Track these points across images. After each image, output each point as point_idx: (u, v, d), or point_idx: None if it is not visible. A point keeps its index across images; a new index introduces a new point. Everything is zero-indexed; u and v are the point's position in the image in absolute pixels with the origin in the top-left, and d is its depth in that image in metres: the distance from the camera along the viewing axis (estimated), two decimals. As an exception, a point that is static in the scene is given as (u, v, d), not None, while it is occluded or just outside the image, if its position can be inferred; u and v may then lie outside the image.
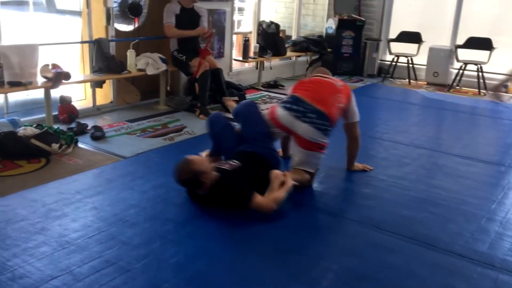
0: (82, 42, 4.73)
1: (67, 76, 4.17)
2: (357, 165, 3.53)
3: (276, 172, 2.82)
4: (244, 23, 7.68)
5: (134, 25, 5.19)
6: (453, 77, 7.02)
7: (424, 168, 3.66)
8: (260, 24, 6.64)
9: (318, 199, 3.05)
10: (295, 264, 2.30)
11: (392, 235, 2.59)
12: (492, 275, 2.25)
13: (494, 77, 6.89)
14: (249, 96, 5.83)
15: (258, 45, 6.36)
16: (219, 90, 5.19)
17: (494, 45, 6.60)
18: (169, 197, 2.94)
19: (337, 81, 3.32)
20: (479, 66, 6.66)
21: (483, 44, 6.69)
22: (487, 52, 6.61)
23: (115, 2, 4.87)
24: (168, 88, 5.15)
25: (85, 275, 2.10)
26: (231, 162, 2.88)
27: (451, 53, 7.05)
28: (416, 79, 7.40)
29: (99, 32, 4.72)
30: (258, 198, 2.67)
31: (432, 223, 2.75)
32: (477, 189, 3.28)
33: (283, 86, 6.54)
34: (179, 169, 2.78)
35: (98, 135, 4.00)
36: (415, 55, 7.27)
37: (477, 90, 6.70)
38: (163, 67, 4.94)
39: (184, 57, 4.96)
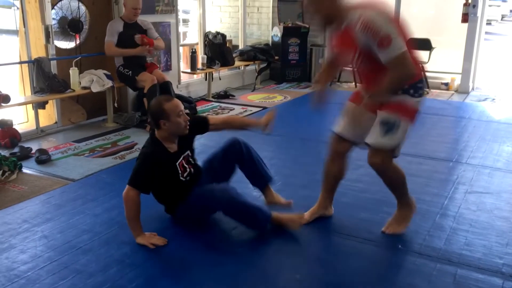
0: (20, 63, 4.52)
1: (6, 98, 3.98)
2: None
3: None
4: (189, 35, 7.62)
5: (76, 42, 5.03)
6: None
7: (370, 169, 3.71)
8: (206, 35, 6.60)
9: (275, 208, 3.01)
10: (258, 278, 2.26)
11: (353, 239, 2.60)
12: (451, 270, 2.30)
13: (435, 76, 7.19)
14: (200, 108, 5.76)
15: (205, 56, 6.32)
16: (168, 104, 5.09)
17: (433, 45, 6.86)
18: (123, 218, 2.80)
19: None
20: (420, 65, 6.89)
21: (423, 44, 6.92)
22: (427, 52, 6.86)
23: (54, 19, 4.70)
24: (116, 104, 5.00)
25: (38, 310, 1.98)
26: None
27: (393, 55, 7.26)
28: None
29: (38, 51, 4.53)
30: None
31: (390, 223, 2.78)
32: (429, 186, 3.36)
33: (233, 96, 6.51)
34: (158, 97, 2.70)
35: (43, 158, 3.82)
36: (359, 59, 7.43)
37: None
38: (109, 83, 4.79)
39: (130, 72, 4.83)
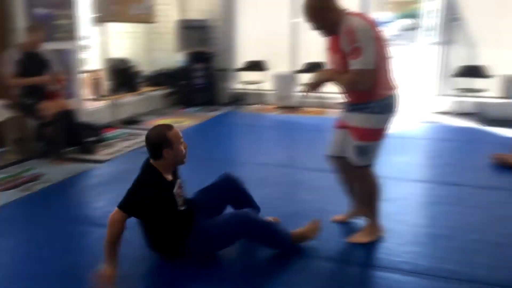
0: None
1: None
2: None
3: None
4: (91, 61, 7.44)
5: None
6: (297, 99, 7.67)
7: (288, 185, 3.95)
8: (110, 61, 6.52)
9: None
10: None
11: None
12: (356, 271, 2.55)
13: (331, 96, 7.72)
14: (107, 135, 5.66)
15: (110, 82, 6.24)
16: (73, 132, 4.96)
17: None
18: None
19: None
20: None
21: (318, 68, 7.45)
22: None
23: None
24: (17, 135, 4.76)
25: None
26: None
27: (293, 78, 7.72)
28: (266, 103, 7.92)
29: None
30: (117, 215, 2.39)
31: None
32: (335, 196, 3.61)
33: (141, 121, 6.48)
34: (157, 126, 2.54)
35: None
36: (262, 82, 7.79)
37: (320, 109, 7.41)
38: (7, 114, 4.57)
39: (31, 101, 4.65)
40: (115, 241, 2.36)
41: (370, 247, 2.80)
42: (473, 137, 5.66)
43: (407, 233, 3.01)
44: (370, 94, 2.61)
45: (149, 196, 2.42)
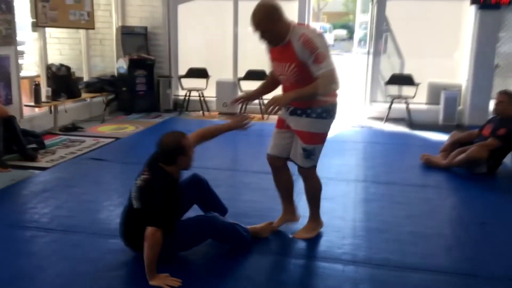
0: None
1: None
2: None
3: None
4: (25, 67, 7.25)
5: None
6: (239, 106, 7.85)
7: (234, 187, 4.12)
8: (49, 67, 6.40)
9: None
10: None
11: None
12: (301, 262, 2.77)
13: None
14: (48, 141, 5.56)
15: (49, 89, 6.12)
16: (14, 139, 4.85)
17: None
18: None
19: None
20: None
21: (259, 75, 7.69)
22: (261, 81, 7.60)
23: None
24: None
25: None
26: None
27: (235, 85, 7.91)
28: (208, 110, 8.05)
29: None
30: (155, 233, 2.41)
31: (250, 232, 3.15)
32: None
33: (82, 128, 6.40)
34: (171, 133, 2.62)
35: None
36: (204, 89, 7.91)
37: (261, 115, 7.65)
38: None
39: (-32, 107, 4.52)
40: (157, 256, 2.45)
41: (313, 241, 3.03)
42: (403, 141, 6.13)
43: (346, 227, 3.27)
44: (317, 100, 2.78)
45: (174, 205, 2.56)
